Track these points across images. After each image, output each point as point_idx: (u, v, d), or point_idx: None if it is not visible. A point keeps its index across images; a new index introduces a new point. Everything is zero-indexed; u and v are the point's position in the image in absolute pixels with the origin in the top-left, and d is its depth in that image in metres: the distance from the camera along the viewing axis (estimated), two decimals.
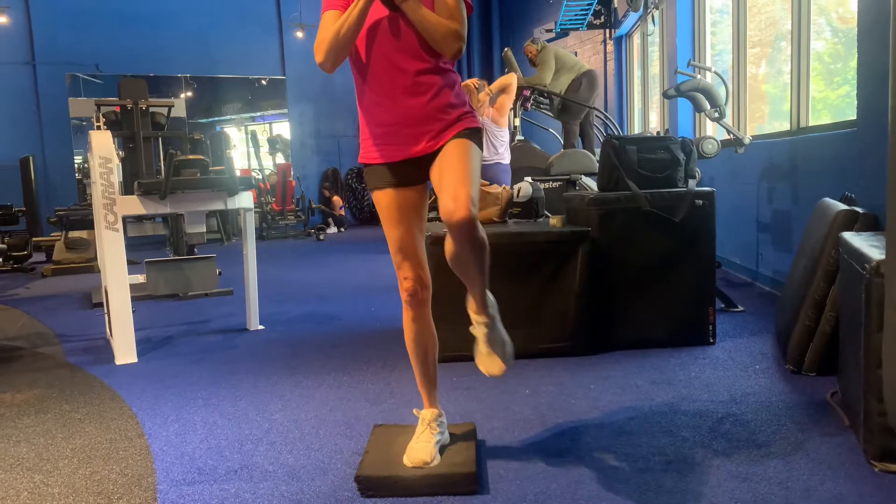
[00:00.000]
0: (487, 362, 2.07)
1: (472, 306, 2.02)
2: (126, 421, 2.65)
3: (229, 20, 12.00)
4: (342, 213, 11.99)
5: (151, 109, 6.47)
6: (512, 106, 6.21)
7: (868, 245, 2.17)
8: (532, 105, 6.84)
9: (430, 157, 1.95)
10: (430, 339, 2.13)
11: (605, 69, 9.69)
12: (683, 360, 3.14)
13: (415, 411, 2.20)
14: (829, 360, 2.76)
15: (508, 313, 3.20)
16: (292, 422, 2.56)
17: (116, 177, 3.60)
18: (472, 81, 5.24)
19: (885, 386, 1.81)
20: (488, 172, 5.02)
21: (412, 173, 1.99)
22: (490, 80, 5.81)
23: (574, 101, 6.59)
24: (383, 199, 2.03)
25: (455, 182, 1.83)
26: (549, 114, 6.97)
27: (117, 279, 3.57)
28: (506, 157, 5.33)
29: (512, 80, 5.39)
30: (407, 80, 1.91)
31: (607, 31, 9.41)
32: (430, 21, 1.87)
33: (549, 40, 8.84)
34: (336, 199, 12.10)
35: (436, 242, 3.13)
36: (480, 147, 1.99)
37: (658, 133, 7.28)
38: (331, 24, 1.89)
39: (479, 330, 2.05)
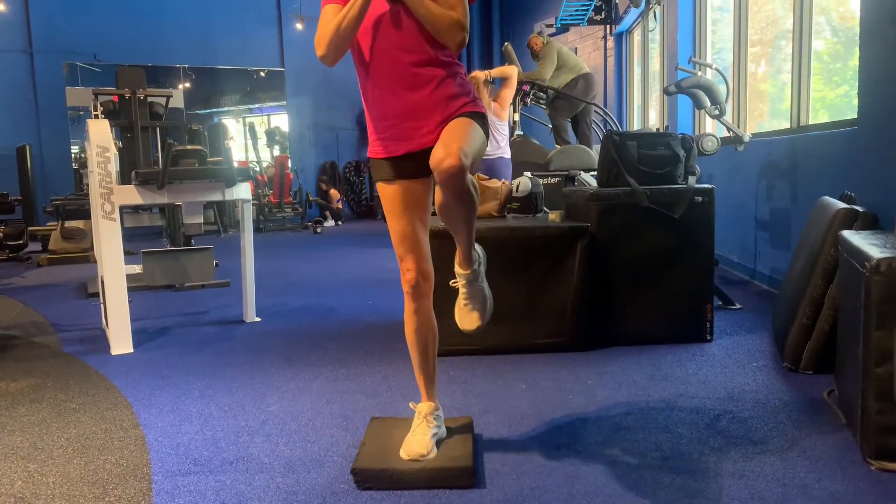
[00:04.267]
0: (463, 316, 2.07)
1: (457, 259, 2.03)
2: (121, 411, 2.64)
3: (229, 11, 11.94)
4: (339, 206, 11.97)
5: (149, 99, 6.45)
6: (511, 101, 6.20)
7: (868, 243, 2.16)
8: (531, 100, 6.82)
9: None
10: (430, 333, 2.12)
11: (605, 65, 9.66)
12: (681, 357, 3.14)
13: (411, 405, 2.20)
14: (826, 359, 2.76)
15: (506, 307, 3.22)
16: (289, 414, 2.56)
17: (114, 166, 3.58)
18: (481, 74, 5.20)
19: None
20: (491, 167, 5.00)
21: (416, 167, 1.97)
22: None
23: (569, 95, 6.57)
24: (387, 191, 2.02)
25: (450, 138, 1.81)
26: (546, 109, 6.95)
27: (114, 269, 3.56)
28: (507, 152, 5.32)
29: (513, 71, 5.38)
30: (408, 72, 1.90)
31: (608, 27, 9.38)
32: (432, 12, 1.86)
33: (550, 35, 8.81)
34: (333, 192, 12.07)
35: (436, 236, 3.12)
36: (485, 130, 1.96)
37: (658, 129, 7.27)
38: (331, 18, 1.88)
39: (460, 283, 2.05)
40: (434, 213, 2.07)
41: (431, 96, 1.91)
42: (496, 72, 5.40)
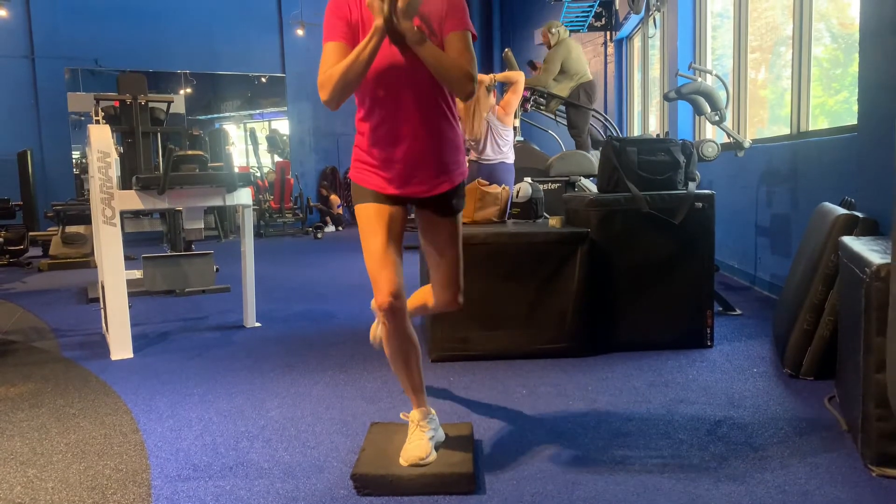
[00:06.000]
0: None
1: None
2: (121, 416, 2.64)
3: (230, 17, 11.98)
4: (340, 211, 11.97)
5: (150, 105, 6.46)
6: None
7: (868, 249, 2.16)
8: (532, 106, 6.84)
9: (421, 198, 2.03)
10: (411, 349, 2.07)
11: (606, 71, 9.69)
12: (681, 363, 3.14)
13: (402, 415, 2.19)
14: (827, 365, 2.76)
15: (507, 313, 3.23)
16: (288, 419, 2.55)
17: (115, 171, 3.59)
18: (486, 77, 5.20)
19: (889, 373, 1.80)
20: (492, 171, 5.00)
21: (397, 200, 2.03)
22: None
23: (572, 103, 6.58)
24: (365, 212, 2.03)
25: (454, 275, 2.13)
26: (548, 114, 6.96)
27: (114, 274, 3.56)
28: (510, 157, 5.33)
29: (520, 77, 5.38)
30: (417, 123, 1.92)
31: (608, 33, 9.41)
32: (443, 63, 1.83)
33: None
34: (334, 197, 12.08)
35: None
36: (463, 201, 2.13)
37: (658, 135, 7.28)
38: (335, 59, 1.85)
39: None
40: (412, 227, 2.18)
41: (432, 151, 1.97)
42: (501, 76, 5.41)
